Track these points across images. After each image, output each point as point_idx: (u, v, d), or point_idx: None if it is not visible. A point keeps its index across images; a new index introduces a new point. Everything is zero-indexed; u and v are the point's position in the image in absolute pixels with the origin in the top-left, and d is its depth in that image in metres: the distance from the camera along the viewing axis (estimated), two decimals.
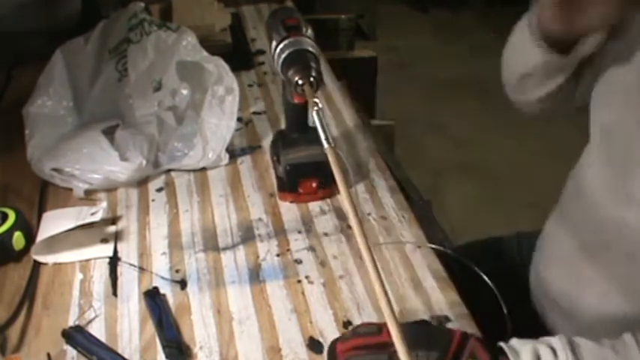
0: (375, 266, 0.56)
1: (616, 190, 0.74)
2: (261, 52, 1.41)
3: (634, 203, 0.71)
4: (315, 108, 0.73)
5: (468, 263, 0.85)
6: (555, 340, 0.64)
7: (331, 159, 0.66)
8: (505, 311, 0.78)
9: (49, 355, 0.73)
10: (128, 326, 0.77)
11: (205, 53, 1.05)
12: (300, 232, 0.91)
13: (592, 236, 0.80)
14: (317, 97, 0.76)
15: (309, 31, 0.83)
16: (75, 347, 0.73)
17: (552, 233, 0.90)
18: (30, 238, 0.87)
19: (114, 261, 0.86)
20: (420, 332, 0.65)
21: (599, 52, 0.77)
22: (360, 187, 0.98)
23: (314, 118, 0.72)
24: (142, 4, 1.10)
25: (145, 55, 1.06)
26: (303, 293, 0.81)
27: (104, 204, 0.94)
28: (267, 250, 0.87)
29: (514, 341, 0.65)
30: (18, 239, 0.86)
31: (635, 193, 0.71)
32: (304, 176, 0.93)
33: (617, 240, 0.75)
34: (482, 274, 0.85)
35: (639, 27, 0.71)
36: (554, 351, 0.63)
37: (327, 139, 0.69)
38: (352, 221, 0.60)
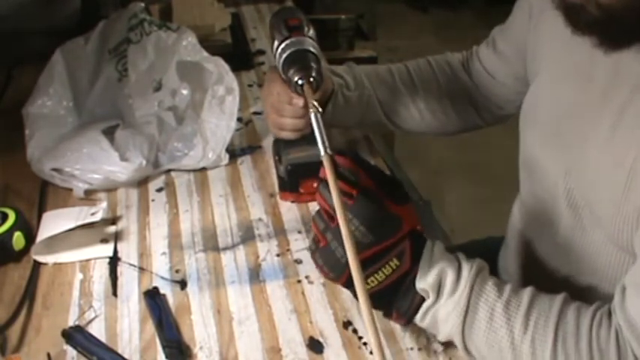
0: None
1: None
2: (261, 52, 1.41)
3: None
4: (313, 110, 0.73)
5: None
6: (465, 276, 0.66)
7: (327, 166, 0.65)
8: None
9: (49, 355, 0.72)
10: (128, 326, 0.76)
11: (205, 53, 1.05)
12: (300, 232, 0.91)
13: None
14: (316, 99, 0.76)
15: (312, 32, 0.83)
16: (75, 347, 0.73)
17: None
18: (30, 238, 0.87)
19: (114, 261, 0.86)
20: (373, 214, 0.66)
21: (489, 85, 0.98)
22: None
23: (311, 120, 0.72)
24: (142, 4, 1.10)
25: (145, 55, 1.06)
26: (303, 293, 0.81)
27: (104, 204, 0.94)
28: (267, 250, 0.87)
29: (436, 254, 0.68)
30: (18, 239, 0.85)
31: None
32: (305, 176, 0.93)
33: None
34: None
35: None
36: (458, 280, 0.66)
37: (323, 144, 0.68)
38: (342, 227, 0.61)
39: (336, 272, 0.69)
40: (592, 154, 0.69)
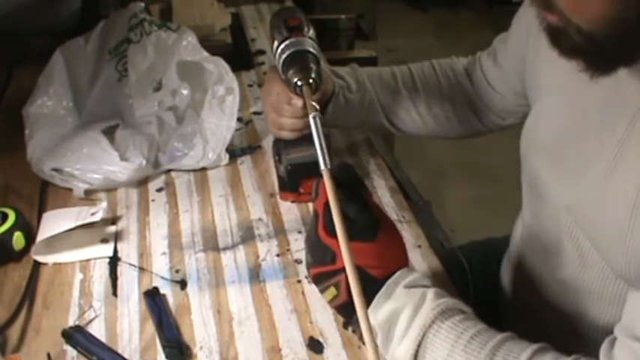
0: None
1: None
2: (261, 52, 1.41)
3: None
4: (312, 114, 0.72)
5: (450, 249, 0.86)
6: (422, 316, 0.62)
7: (326, 180, 0.64)
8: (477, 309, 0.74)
9: (49, 355, 0.73)
10: (128, 326, 0.77)
11: (205, 53, 1.05)
12: (300, 232, 0.91)
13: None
14: (316, 100, 0.76)
15: (312, 32, 0.83)
16: (75, 347, 0.73)
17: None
18: (30, 238, 0.87)
19: (114, 261, 0.86)
20: (311, 238, 0.66)
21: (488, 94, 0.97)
22: None
23: (310, 124, 0.72)
24: (142, 4, 1.10)
25: (145, 55, 1.06)
26: (303, 293, 0.81)
27: (104, 204, 0.94)
28: (267, 250, 0.87)
29: (398, 291, 0.64)
30: (18, 239, 0.86)
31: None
32: (305, 176, 0.92)
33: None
34: (465, 262, 0.87)
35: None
36: (412, 320, 0.62)
37: (323, 157, 0.67)
38: (339, 234, 0.60)
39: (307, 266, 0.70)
40: (592, 189, 0.67)
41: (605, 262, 0.69)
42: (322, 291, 0.67)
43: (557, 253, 0.77)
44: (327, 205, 0.64)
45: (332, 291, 0.65)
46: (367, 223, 0.66)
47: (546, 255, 0.80)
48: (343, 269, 0.61)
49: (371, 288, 0.64)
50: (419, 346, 0.62)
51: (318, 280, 0.67)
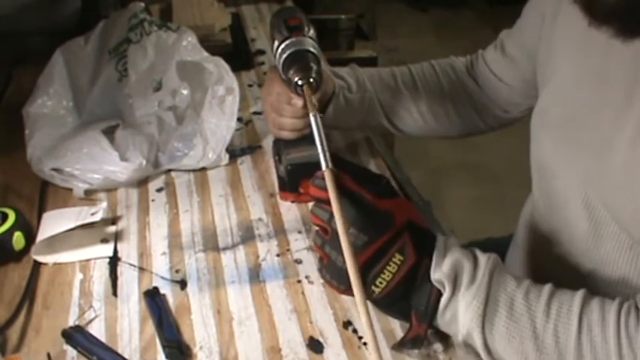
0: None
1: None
2: (261, 52, 1.41)
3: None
4: (313, 112, 0.72)
5: None
6: (483, 266, 0.66)
7: (328, 181, 0.64)
8: None
9: (49, 355, 0.73)
10: (128, 326, 0.77)
11: (205, 53, 1.05)
12: (300, 232, 0.91)
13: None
14: (316, 100, 0.76)
15: (312, 32, 0.83)
16: (75, 347, 0.73)
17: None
18: (30, 238, 0.87)
19: (114, 261, 0.86)
20: (359, 213, 0.65)
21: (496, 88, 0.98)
22: None
23: (311, 122, 0.72)
24: (142, 4, 1.10)
25: (145, 55, 1.06)
26: (303, 293, 0.81)
27: (104, 204, 0.94)
28: (267, 250, 0.87)
29: (450, 246, 0.67)
30: (18, 239, 0.85)
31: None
32: (305, 176, 0.92)
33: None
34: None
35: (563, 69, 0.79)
36: (475, 270, 0.65)
37: (325, 158, 0.67)
38: (342, 238, 0.61)
39: (343, 283, 0.67)
40: (614, 162, 0.67)
41: (623, 232, 0.69)
42: (381, 270, 0.65)
43: (569, 229, 0.77)
44: (359, 179, 0.66)
45: (397, 260, 0.65)
46: (388, 182, 0.70)
47: (557, 233, 0.80)
48: (404, 227, 0.65)
49: (430, 241, 0.67)
50: (489, 287, 0.64)
51: (377, 257, 0.65)
